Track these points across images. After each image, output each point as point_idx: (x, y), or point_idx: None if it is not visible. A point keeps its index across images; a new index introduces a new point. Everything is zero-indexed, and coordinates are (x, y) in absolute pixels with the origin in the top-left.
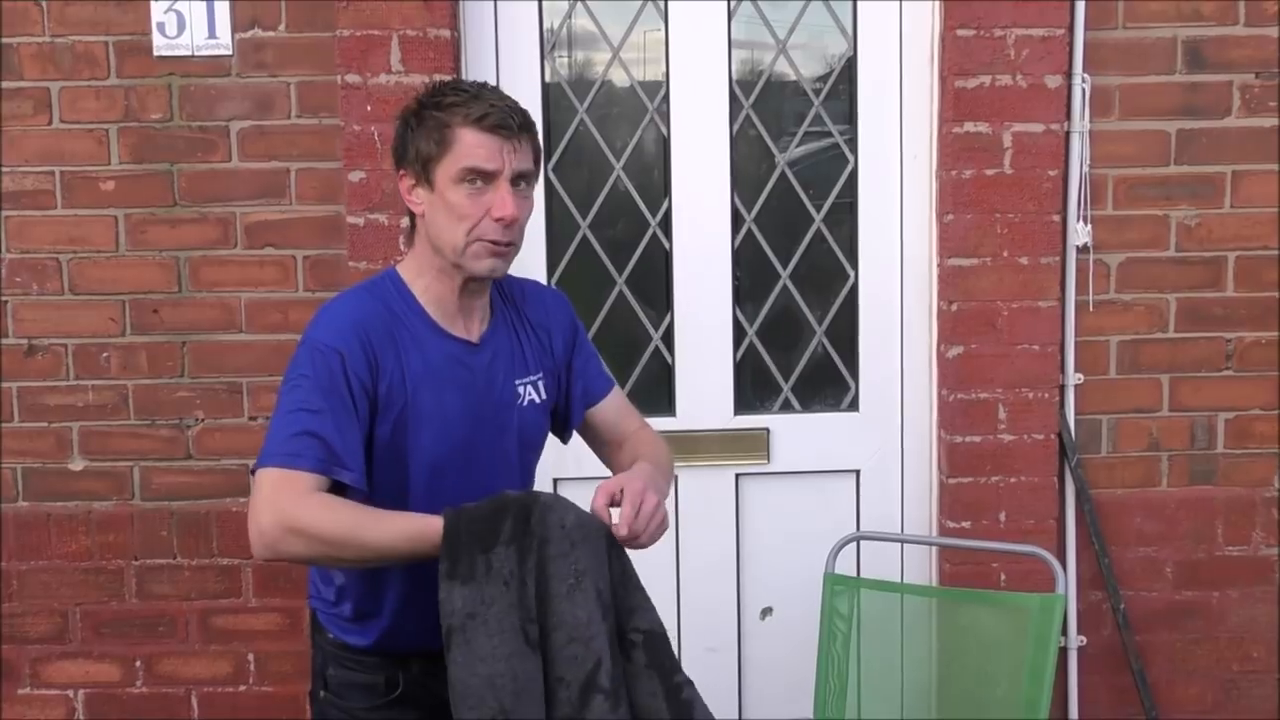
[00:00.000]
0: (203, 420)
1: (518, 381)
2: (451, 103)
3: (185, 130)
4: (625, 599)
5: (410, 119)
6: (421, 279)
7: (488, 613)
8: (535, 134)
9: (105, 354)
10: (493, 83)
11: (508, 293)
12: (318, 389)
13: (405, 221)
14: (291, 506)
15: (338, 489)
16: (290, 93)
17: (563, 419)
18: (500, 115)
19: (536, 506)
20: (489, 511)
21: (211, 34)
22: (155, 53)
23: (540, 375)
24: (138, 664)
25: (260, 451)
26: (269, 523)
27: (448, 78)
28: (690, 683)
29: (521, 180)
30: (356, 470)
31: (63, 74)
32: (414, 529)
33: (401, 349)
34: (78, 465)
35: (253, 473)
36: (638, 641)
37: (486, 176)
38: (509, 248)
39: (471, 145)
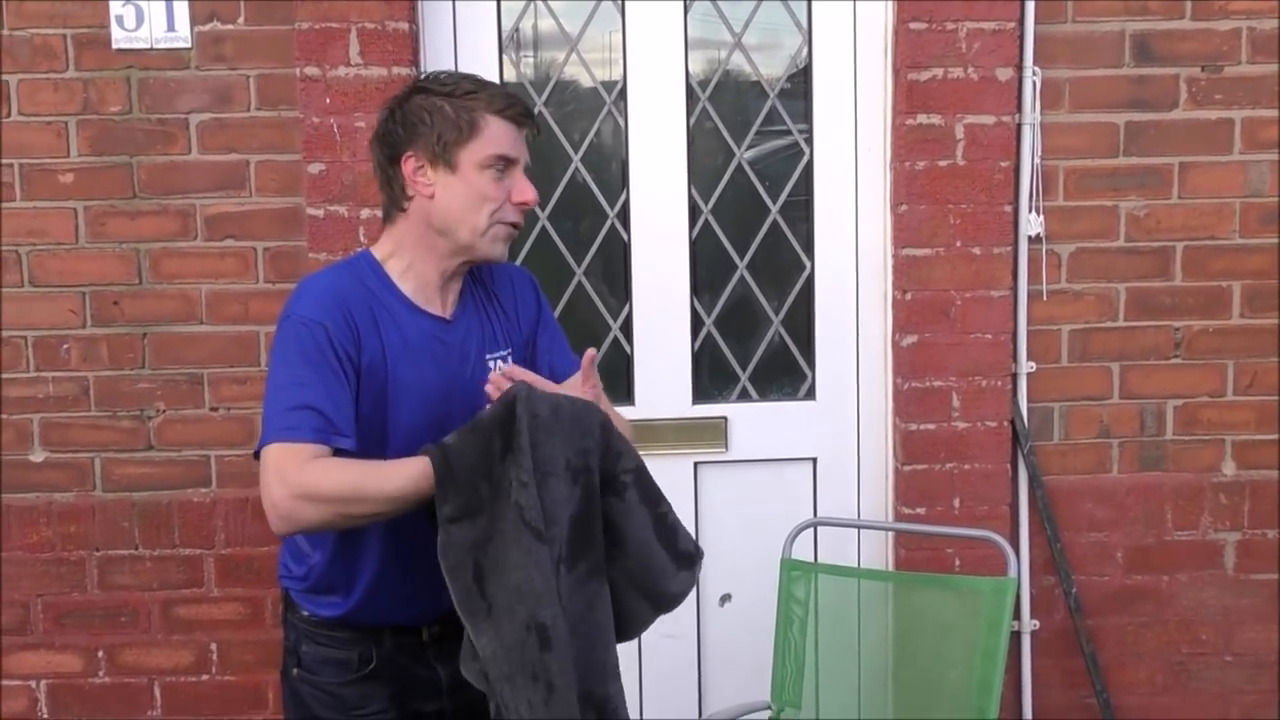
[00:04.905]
0: (164, 411)
1: (489, 356)
2: (468, 91)
3: (144, 123)
4: (612, 446)
5: (419, 105)
6: (401, 259)
7: (504, 527)
8: None
9: (65, 346)
10: None
11: (476, 272)
12: (306, 362)
13: (380, 210)
14: (297, 475)
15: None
16: (249, 85)
17: None
18: (522, 106)
19: (518, 403)
20: (476, 440)
21: (170, 27)
22: (114, 45)
23: (509, 350)
24: (100, 654)
25: (261, 433)
26: (280, 495)
27: (406, 70)
28: (672, 509)
29: (527, 167)
30: (352, 436)
31: (20, 67)
32: (416, 471)
33: (381, 324)
34: (38, 457)
35: (256, 456)
36: (629, 482)
37: (509, 163)
38: (517, 230)
39: (499, 133)
